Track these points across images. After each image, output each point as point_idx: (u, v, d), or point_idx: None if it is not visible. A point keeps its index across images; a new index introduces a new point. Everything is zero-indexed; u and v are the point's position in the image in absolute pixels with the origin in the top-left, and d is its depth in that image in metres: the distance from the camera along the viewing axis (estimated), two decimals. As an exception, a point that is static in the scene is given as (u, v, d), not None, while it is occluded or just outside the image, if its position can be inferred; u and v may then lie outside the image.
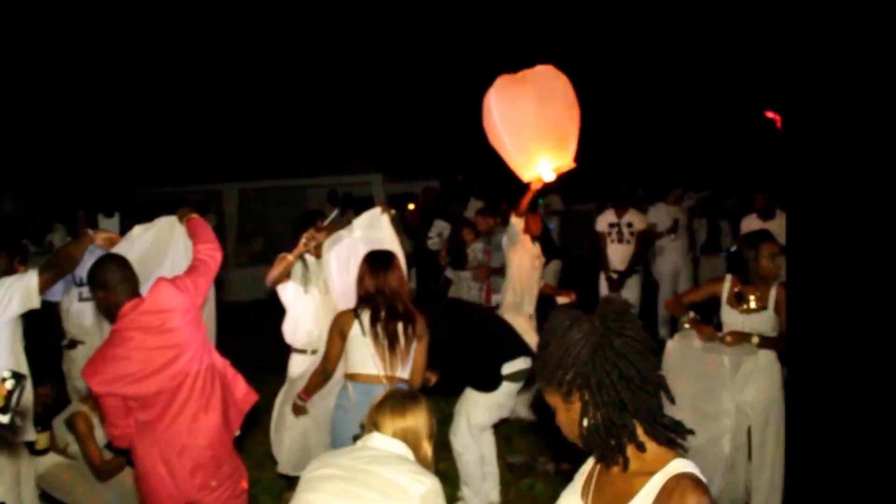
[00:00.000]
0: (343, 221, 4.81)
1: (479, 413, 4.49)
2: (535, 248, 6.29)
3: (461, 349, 4.47)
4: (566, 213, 12.13)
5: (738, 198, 13.05)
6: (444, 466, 4.98)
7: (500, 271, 6.66)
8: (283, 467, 4.53)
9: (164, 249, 3.95)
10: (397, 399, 2.73)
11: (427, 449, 2.69)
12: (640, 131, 21.62)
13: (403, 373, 3.92)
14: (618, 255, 7.62)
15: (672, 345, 4.45)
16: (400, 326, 3.90)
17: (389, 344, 3.84)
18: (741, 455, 4.32)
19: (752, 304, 4.31)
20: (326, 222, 4.81)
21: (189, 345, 3.20)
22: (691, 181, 10.06)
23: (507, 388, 4.42)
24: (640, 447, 1.71)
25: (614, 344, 1.71)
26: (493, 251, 7.21)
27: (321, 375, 4.11)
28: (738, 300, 4.35)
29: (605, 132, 21.79)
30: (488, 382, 4.41)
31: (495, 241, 7.22)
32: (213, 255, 3.52)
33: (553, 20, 20.50)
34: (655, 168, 17.82)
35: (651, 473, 1.69)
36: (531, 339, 5.81)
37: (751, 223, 7.23)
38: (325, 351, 4.06)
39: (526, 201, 5.75)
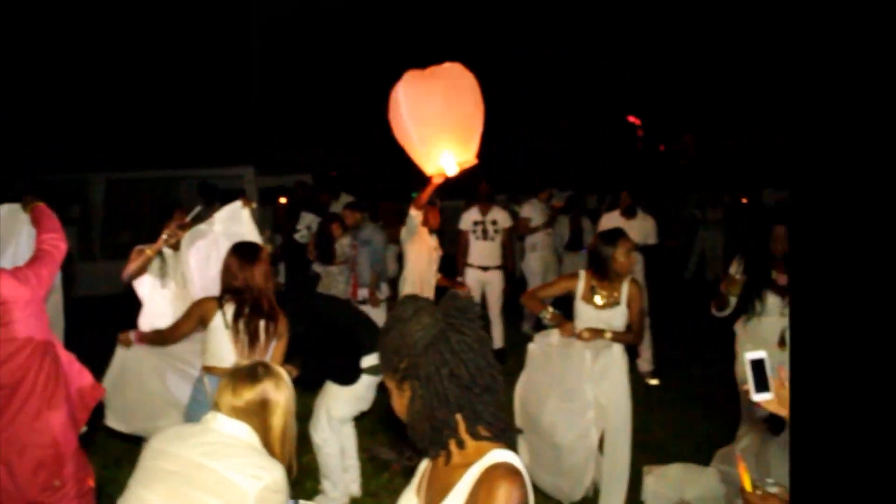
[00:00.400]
0: (209, 215, 4.74)
1: (338, 406, 4.51)
2: (433, 241, 6.53)
3: (321, 343, 4.48)
4: (441, 210, 12.32)
5: (602, 197, 13.64)
6: (306, 460, 5.01)
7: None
8: (114, 422, 4.45)
9: (7, 238, 3.81)
10: (240, 374, 2.58)
11: (277, 427, 2.53)
12: (506, 130, 22.18)
13: None
14: (485, 251, 7.73)
15: (533, 346, 4.59)
16: (262, 324, 3.87)
17: (250, 341, 3.81)
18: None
19: (606, 300, 4.44)
20: (189, 217, 4.74)
21: (30, 338, 3.07)
22: (556, 181, 10.36)
23: (366, 381, 4.44)
24: (460, 444, 1.73)
25: (450, 340, 1.72)
26: (360, 246, 7.25)
27: (160, 338, 4.16)
28: (592, 296, 4.47)
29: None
30: (348, 376, 4.43)
31: (362, 236, 7.27)
32: (58, 245, 3.39)
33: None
34: (522, 167, 18.29)
35: (470, 465, 1.70)
36: None
37: (612, 221, 7.41)
38: (177, 323, 4.01)
39: (426, 195, 5.90)
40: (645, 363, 7.36)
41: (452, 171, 5.23)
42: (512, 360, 6.53)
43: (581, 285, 4.52)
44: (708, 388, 6.74)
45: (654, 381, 7.19)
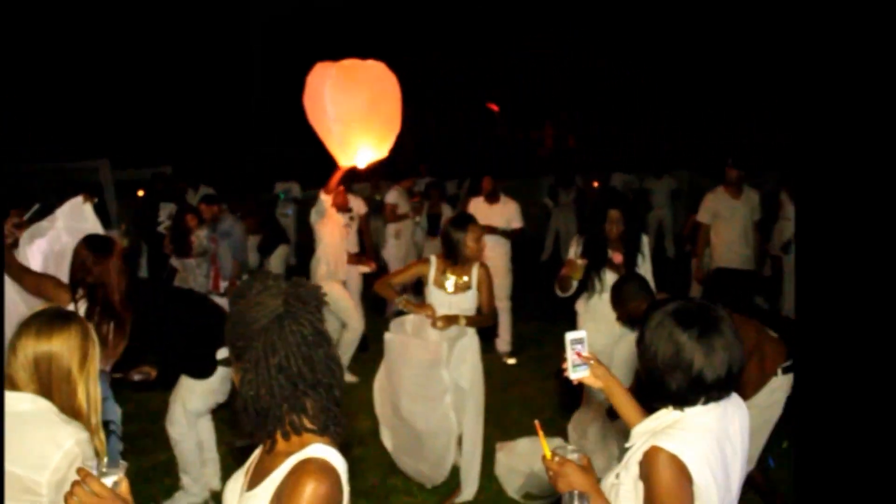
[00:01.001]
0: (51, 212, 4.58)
1: (194, 399, 4.44)
2: (343, 219, 6.91)
3: (174, 338, 4.43)
4: (304, 200, 12.21)
5: (461, 182, 13.88)
6: (164, 457, 4.97)
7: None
8: None
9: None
10: (36, 322, 2.33)
11: (77, 380, 2.34)
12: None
13: (106, 367, 3.87)
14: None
15: (388, 335, 4.60)
16: (112, 326, 3.81)
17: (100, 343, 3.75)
18: (459, 428, 4.58)
19: (457, 285, 4.53)
20: (27, 215, 4.57)
21: None
22: (416, 168, 10.48)
23: (221, 373, 4.40)
24: (284, 434, 1.72)
25: (285, 329, 1.69)
26: (220, 239, 7.17)
27: None
28: (443, 281, 4.55)
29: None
30: (202, 369, 4.38)
31: (222, 229, 7.19)
32: None
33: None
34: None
35: (290, 454, 1.69)
36: (346, 304, 6.63)
37: (478, 206, 7.56)
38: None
39: (335, 180, 6.17)
40: (503, 344, 7.59)
41: (363, 164, 5.46)
42: (374, 346, 6.62)
43: (432, 271, 4.59)
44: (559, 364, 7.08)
45: (511, 361, 7.45)
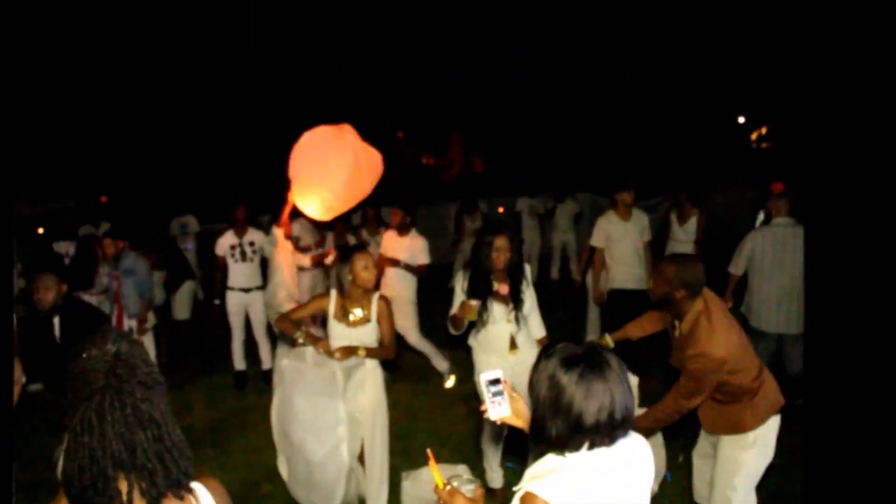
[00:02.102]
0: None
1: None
2: (289, 245, 7.34)
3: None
4: (203, 234, 12.08)
5: (365, 213, 13.93)
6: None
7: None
8: None
9: None
10: None
11: None
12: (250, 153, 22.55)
13: None
14: (245, 273, 7.71)
15: (284, 363, 4.59)
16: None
17: None
18: (354, 460, 4.63)
19: (357, 317, 4.57)
20: None
21: None
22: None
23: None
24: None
25: (104, 407, 1.59)
26: (123, 276, 7.06)
27: None
28: (343, 314, 4.59)
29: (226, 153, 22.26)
30: None
31: (125, 266, 7.08)
32: None
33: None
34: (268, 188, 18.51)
35: None
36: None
37: (389, 238, 7.66)
38: None
39: (286, 215, 6.78)
40: (440, 369, 7.67)
41: (311, 212, 6.07)
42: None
43: (332, 304, 4.63)
44: (465, 389, 7.27)
45: (449, 383, 7.58)
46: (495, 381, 2.45)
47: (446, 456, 5.67)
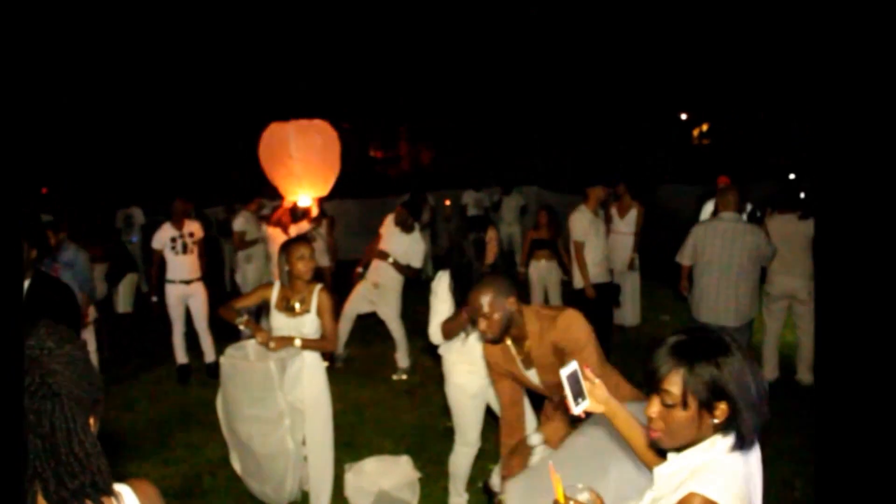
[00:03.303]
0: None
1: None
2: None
3: None
4: (148, 226, 11.92)
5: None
6: None
7: None
8: None
9: None
10: None
11: None
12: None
13: None
14: (185, 265, 7.61)
15: (223, 359, 4.57)
16: None
17: None
18: (300, 450, 4.61)
19: (298, 308, 4.55)
20: None
21: None
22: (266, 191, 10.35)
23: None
24: None
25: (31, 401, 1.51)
26: (63, 269, 6.92)
27: None
28: (284, 305, 4.58)
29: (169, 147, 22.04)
30: None
31: (64, 258, 6.94)
32: None
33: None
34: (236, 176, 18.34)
35: None
36: None
37: (392, 233, 7.46)
38: None
39: (281, 212, 8.18)
40: (400, 361, 7.68)
41: (304, 203, 7.90)
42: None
43: (275, 294, 4.64)
44: (412, 381, 7.34)
45: (401, 377, 7.59)
46: (574, 375, 2.36)
47: (390, 447, 5.71)
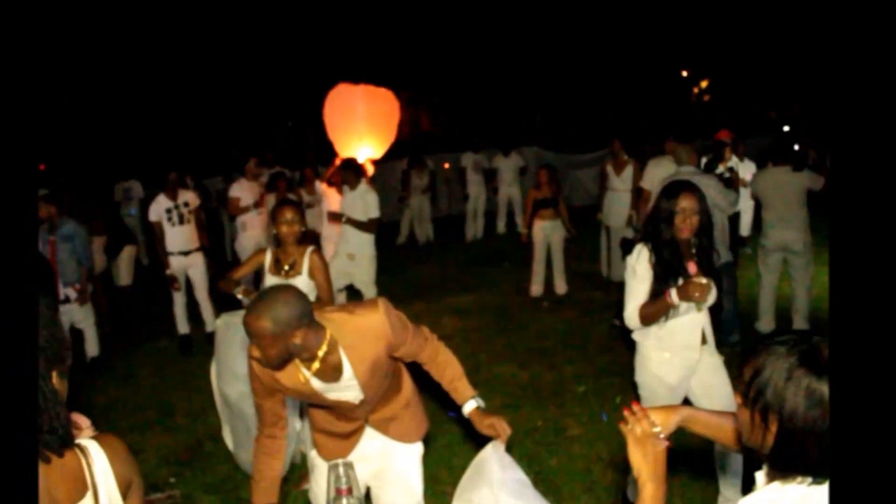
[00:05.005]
0: None
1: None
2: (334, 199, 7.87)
3: None
4: (147, 199, 11.91)
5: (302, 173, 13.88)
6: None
7: None
8: None
9: None
10: None
11: None
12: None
13: None
14: (182, 236, 7.54)
15: (219, 322, 4.65)
16: None
17: None
18: (296, 418, 4.59)
19: (289, 270, 4.59)
20: None
21: None
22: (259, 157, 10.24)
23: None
24: None
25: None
26: (60, 243, 6.90)
27: None
28: (277, 267, 4.63)
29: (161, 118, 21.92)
30: None
31: (63, 232, 6.91)
32: None
33: None
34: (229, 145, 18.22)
35: None
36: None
37: (333, 196, 7.68)
38: None
39: (330, 173, 8.10)
40: None
41: (362, 158, 8.16)
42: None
43: (268, 259, 4.70)
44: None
45: None
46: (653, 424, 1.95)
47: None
